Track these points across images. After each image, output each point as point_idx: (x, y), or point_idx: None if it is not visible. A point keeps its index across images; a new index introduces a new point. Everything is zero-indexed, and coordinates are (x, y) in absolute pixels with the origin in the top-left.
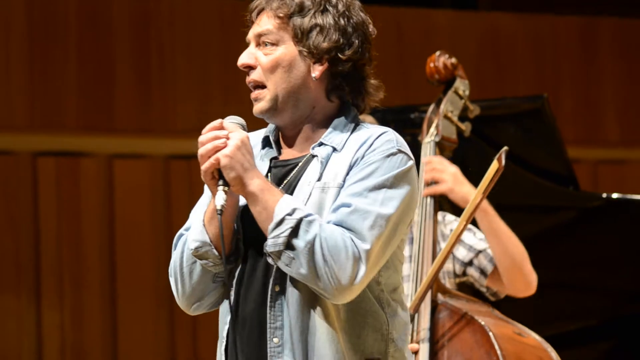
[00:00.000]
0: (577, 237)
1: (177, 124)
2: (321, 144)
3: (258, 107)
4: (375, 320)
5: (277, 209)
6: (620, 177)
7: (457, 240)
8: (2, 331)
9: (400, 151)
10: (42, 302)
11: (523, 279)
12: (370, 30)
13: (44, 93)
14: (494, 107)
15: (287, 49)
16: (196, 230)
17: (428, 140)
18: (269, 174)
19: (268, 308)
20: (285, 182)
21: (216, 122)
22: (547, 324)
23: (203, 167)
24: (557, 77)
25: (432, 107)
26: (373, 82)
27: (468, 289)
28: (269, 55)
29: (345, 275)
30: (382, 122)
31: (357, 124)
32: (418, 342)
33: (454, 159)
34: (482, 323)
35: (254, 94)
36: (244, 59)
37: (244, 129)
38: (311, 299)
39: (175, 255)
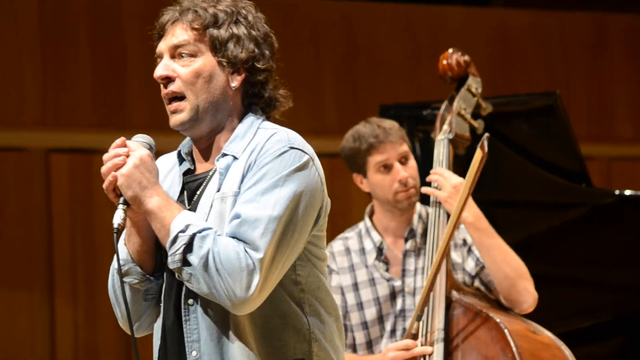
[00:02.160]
0: (590, 234)
1: None
2: (224, 154)
3: (178, 119)
4: (295, 321)
5: (172, 226)
6: (633, 174)
7: (450, 238)
8: (16, 327)
9: (292, 148)
10: (56, 298)
11: (516, 298)
12: (274, 42)
13: (56, 90)
14: (506, 104)
15: (206, 60)
16: (119, 248)
17: (441, 137)
18: (185, 189)
19: (184, 322)
20: (195, 196)
21: (119, 140)
22: (560, 321)
23: (104, 185)
24: (569, 73)
25: (444, 104)
26: (282, 91)
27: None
28: (188, 67)
29: (240, 286)
30: (395, 118)
31: (258, 128)
32: (432, 343)
33: (466, 156)
34: (497, 320)
35: (173, 106)
36: (161, 71)
37: (150, 148)
38: (223, 310)
39: (109, 277)
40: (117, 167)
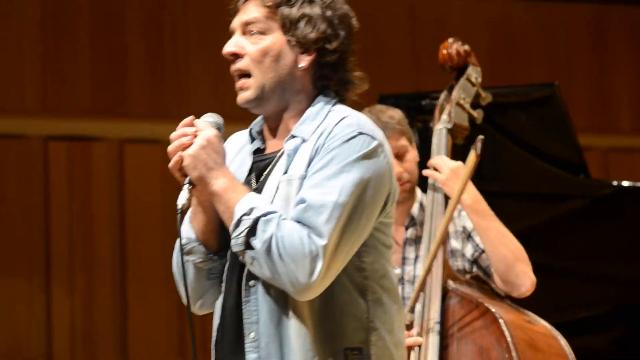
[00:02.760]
0: (588, 225)
1: (189, 109)
2: (292, 136)
3: (244, 97)
4: (355, 308)
5: (237, 208)
6: (631, 165)
7: (445, 230)
8: (13, 316)
9: (361, 133)
10: (53, 287)
11: (514, 280)
12: (354, 23)
13: (55, 77)
14: (506, 94)
15: (276, 38)
16: (184, 227)
17: (440, 127)
18: (253, 168)
19: (243, 303)
20: (262, 176)
21: (187, 119)
22: (557, 312)
23: (169, 164)
24: (569, 64)
25: (444, 94)
26: (357, 73)
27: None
28: (257, 44)
29: (303, 273)
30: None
31: (329, 111)
32: (427, 333)
33: (465, 146)
34: (493, 310)
35: (239, 83)
36: (229, 47)
37: (219, 128)
38: (283, 293)
39: (174, 255)
40: (184, 147)
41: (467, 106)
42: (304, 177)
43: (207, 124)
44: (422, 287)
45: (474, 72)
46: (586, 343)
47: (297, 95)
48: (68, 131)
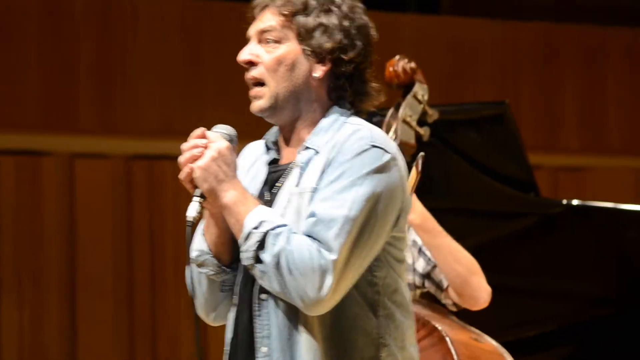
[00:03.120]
0: (537, 244)
1: (139, 124)
2: (306, 147)
3: (257, 105)
4: (365, 323)
5: (246, 221)
6: (580, 184)
7: None
8: None
9: (373, 146)
10: (1, 301)
11: (470, 294)
12: (372, 34)
13: (4, 91)
14: (456, 112)
15: (291, 47)
16: (196, 239)
17: None
18: (268, 179)
19: (255, 317)
20: (274, 188)
21: (198, 131)
22: (506, 330)
23: (180, 175)
24: (519, 83)
25: (391, 111)
26: (374, 85)
27: (429, 295)
28: (272, 53)
29: (313, 287)
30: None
31: (344, 123)
32: None
33: (410, 163)
34: (440, 328)
35: (253, 91)
36: (244, 55)
37: (231, 139)
38: (295, 308)
39: (187, 267)
40: (195, 159)
41: (414, 124)
42: (315, 190)
43: (218, 136)
44: None
45: (420, 90)
46: None
47: (311, 105)
48: (17, 145)
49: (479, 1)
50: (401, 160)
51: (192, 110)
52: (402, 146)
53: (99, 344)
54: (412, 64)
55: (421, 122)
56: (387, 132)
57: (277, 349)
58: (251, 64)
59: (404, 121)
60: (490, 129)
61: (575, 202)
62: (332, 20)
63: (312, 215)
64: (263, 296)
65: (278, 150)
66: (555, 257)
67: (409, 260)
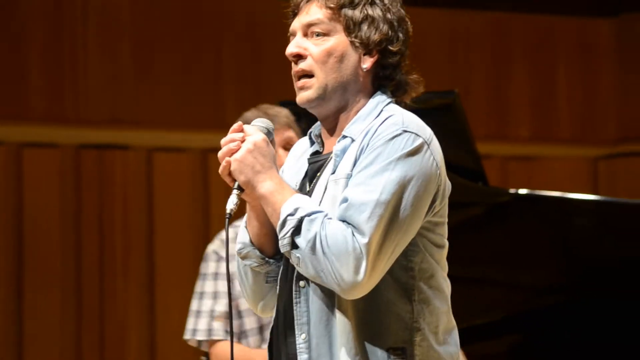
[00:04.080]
0: (486, 233)
1: (88, 113)
2: (344, 136)
3: (305, 96)
4: (399, 308)
5: (282, 209)
6: (530, 173)
7: None
8: None
9: (405, 131)
10: None
11: None
12: (409, 26)
13: None
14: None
15: (339, 39)
16: (240, 232)
17: None
18: (308, 171)
19: (294, 304)
20: (315, 178)
21: (236, 125)
22: (456, 318)
23: (219, 170)
24: (469, 72)
25: None
26: (414, 76)
27: None
28: (321, 46)
29: (347, 270)
30: (293, 115)
31: (381, 111)
32: None
33: None
34: None
35: (301, 82)
36: (292, 49)
37: (268, 132)
38: (332, 294)
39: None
40: (232, 153)
41: None
42: (349, 177)
43: (255, 129)
44: None
45: None
46: (483, 349)
47: (356, 95)
48: None
49: None
50: (437, 146)
51: (142, 100)
52: None
53: (46, 332)
54: None
55: None
56: None
57: (315, 335)
58: (299, 56)
59: None
60: (440, 118)
61: (523, 191)
62: (377, 12)
63: (345, 200)
64: (301, 283)
65: (322, 143)
66: (504, 246)
67: None
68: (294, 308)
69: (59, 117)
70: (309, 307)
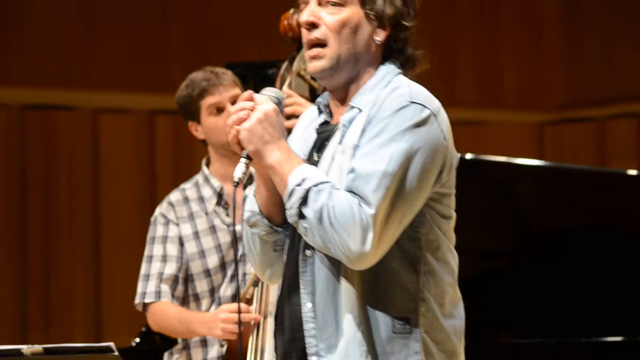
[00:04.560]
0: None
1: (33, 74)
2: (351, 107)
3: (317, 65)
4: (404, 278)
5: (290, 179)
6: (476, 138)
7: None
8: None
9: (413, 102)
10: None
11: None
12: (417, 2)
13: None
14: None
15: (354, 11)
16: (248, 200)
17: None
18: (317, 141)
19: (300, 274)
20: (323, 147)
21: (246, 94)
22: None
23: (227, 137)
24: (418, 38)
25: (285, 64)
26: (419, 51)
27: None
28: (336, 15)
29: (354, 241)
30: (241, 77)
31: (389, 82)
32: (266, 316)
33: None
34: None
35: (314, 51)
36: (307, 17)
37: (279, 102)
38: (338, 263)
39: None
40: (241, 121)
41: (308, 77)
42: (356, 147)
43: (265, 98)
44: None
45: None
46: None
47: (367, 67)
48: None
49: None
50: (444, 117)
51: (87, 62)
52: None
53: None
54: None
55: None
56: (282, 85)
57: (321, 303)
58: (313, 25)
59: (298, 74)
60: None
61: (468, 155)
62: None
63: (352, 171)
64: (308, 252)
65: (330, 113)
66: None
67: None
68: (300, 277)
69: (4, 78)
70: (314, 276)
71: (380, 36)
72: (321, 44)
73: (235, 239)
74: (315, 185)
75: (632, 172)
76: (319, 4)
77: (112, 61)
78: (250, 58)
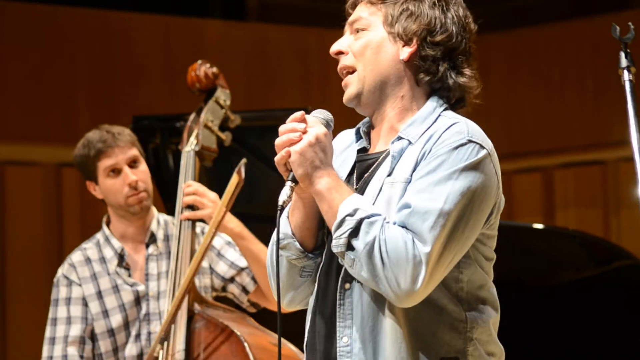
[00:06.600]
0: None
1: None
2: (399, 137)
3: (347, 94)
4: (451, 317)
5: (341, 208)
6: None
7: (204, 256)
8: None
9: (470, 141)
10: None
11: None
12: (470, 23)
13: None
14: (261, 118)
15: (377, 32)
16: (281, 222)
17: (188, 149)
18: (356, 167)
19: (338, 306)
20: (364, 177)
21: (298, 114)
22: None
23: (276, 158)
24: (324, 89)
25: (192, 116)
26: (468, 72)
27: (228, 300)
28: (359, 40)
29: (405, 278)
30: (148, 129)
31: (439, 115)
32: None
33: (215, 169)
34: (238, 333)
35: (344, 81)
36: (334, 47)
37: (327, 125)
38: (380, 298)
39: (268, 249)
40: (292, 143)
41: (216, 129)
42: (408, 181)
43: (317, 121)
44: (172, 320)
45: (222, 95)
46: None
47: (399, 89)
48: None
49: (286, 8)
50: (496, 158)
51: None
52: (204, 151)
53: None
54: (214, 69)
55: (223, 127)
56: (189, 136)
57: (359, 339)
58: (340, 53)
59: (206, 126)
60: None
61: None
62: (421, 7)
63: (407, 206)
64: (347, 285)
65: (369, 140)
66: None
67: (205, 264)
68: (337, 310)
69: None
70: (353, 310)
71: (404, 54)
72: (350, 71)
73: (139, 298)
74: (367, 217)
75: (539, 225)
76: (351, 33)
77: (18, 113)
78: (158, 109)
